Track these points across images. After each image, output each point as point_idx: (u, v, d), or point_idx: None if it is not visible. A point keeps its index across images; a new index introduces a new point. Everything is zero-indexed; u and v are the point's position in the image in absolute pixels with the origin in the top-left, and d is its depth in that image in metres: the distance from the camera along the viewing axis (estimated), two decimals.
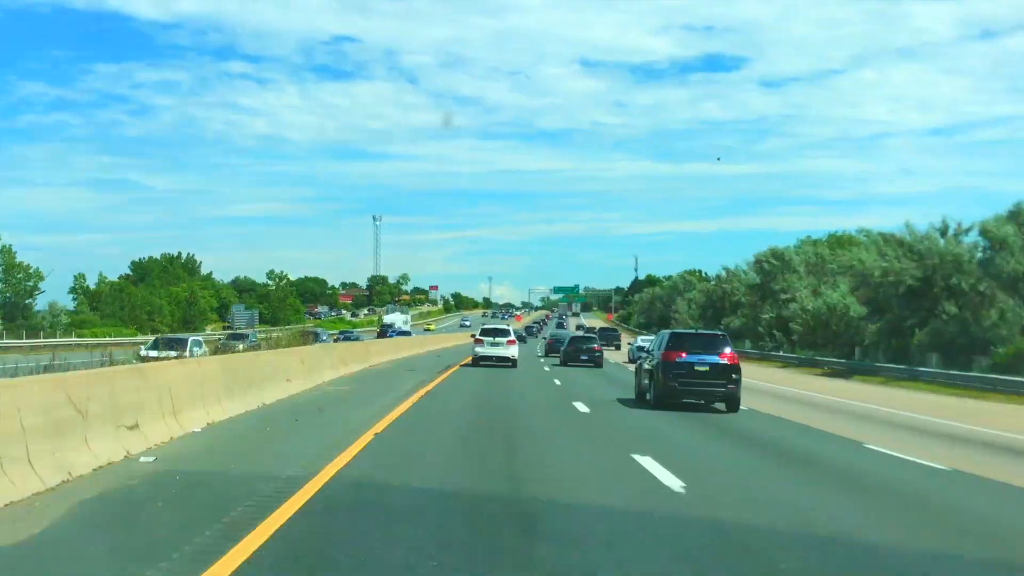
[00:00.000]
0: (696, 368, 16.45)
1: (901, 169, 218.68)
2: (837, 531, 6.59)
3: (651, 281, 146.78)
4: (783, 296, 53.40)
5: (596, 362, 35.05)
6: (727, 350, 16.88)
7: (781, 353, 50.15)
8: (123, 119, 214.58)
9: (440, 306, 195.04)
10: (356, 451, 9.47)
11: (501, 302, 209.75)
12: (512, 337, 32.97)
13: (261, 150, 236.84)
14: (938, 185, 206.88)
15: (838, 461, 11.07)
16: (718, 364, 16.49)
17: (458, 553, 5.41)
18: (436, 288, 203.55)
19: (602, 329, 69.54)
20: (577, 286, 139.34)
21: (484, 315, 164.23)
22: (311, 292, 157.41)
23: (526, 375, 27.59)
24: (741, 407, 16.98)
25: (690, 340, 17.24)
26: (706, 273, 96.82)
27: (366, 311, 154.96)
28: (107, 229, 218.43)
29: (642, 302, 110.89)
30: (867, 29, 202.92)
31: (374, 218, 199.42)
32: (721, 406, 17.06)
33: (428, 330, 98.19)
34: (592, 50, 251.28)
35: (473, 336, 34.91)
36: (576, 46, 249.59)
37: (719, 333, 19.03)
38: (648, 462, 9.35)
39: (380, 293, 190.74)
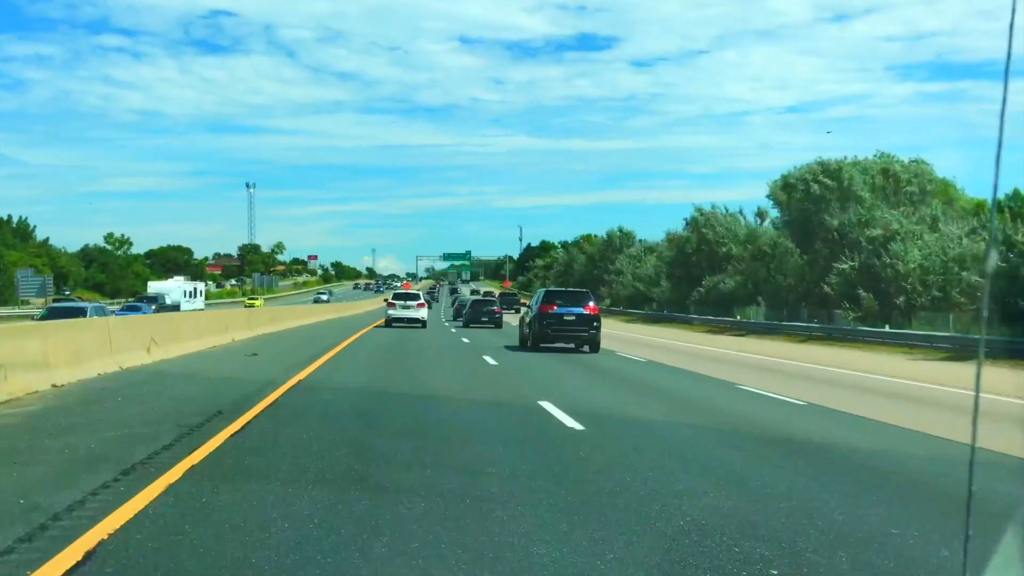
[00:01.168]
0: (564, 318, 20.71)
1: (761, 144, 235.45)
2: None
3: (545, 247, 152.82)
4: (871, 234, 35.52)
5: (496, 323, 38.66)
6: (590, 303, 21.32)
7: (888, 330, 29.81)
8: None
9: (319, 276, 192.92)
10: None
11: (386, 273, 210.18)
12: (422, 300, 37.07)
13: (139, 124, 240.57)
14: (795, 159, 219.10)
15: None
16: (582, 314, 20.83)
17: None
18: (315, 258, 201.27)
19: (502, 294, 73.96)
20: (468, 252, 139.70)
21: (356, 286, 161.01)
22: (174, 262, 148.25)
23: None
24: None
25: (560, 295, 21.63)
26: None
27: (234, 281, 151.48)
28: None
29: (558, 266, 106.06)
30: (729, 11, 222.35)
31: (248, 185, 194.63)
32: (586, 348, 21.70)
33: (251, 305, 61.08)
34: (470, 27, 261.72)
35: (386, 300, 39.15)
36: (454, 22, 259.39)
37: (584, 290, 23.41)
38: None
39: (252, 263, 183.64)
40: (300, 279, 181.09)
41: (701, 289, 51.51)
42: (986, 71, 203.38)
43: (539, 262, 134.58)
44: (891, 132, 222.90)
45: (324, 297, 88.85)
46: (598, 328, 21.64)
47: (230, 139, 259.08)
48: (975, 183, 65.89)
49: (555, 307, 21.54)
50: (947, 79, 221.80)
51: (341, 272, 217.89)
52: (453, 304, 65.80)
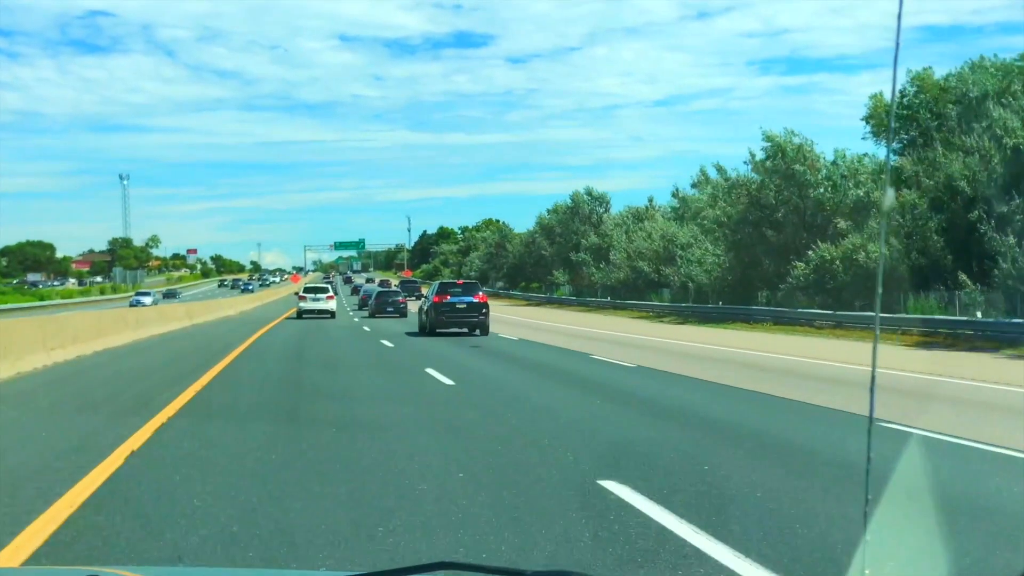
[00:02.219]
0: (457, 306, 24.62)
1: (633, 137, 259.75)
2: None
3: (445, 233, 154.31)
4: None
5: (402, 312, 41.29)
6: (479, 293, 25.39)
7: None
8: None
9: (198, 271, 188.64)
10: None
11: (272, 267, 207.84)
12: (331, 293, 40.71)
13: (16, 124, 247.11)
14: (665, 150, 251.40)
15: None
16: (472, 302, 24.95)
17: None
18: (195, 251, 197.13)
19: (403, 282, 75.64)
20: (362, 241, 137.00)
21: (222, 283, 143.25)
22: (33, 259, 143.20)
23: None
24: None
25: (452, 287, 25.62)
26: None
27: (99, 278, 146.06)
28: None
29: (481, 249, 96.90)
30: (598, 8, 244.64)
31: (121, 177, 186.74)
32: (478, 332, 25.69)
33: None
34: (348, 25, 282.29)
35: (297, 294, 42.08)
36: (332, 21, 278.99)
37: (474, 281, 27.40)
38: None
39: (124, 258, 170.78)
40: (176, 274, 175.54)
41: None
42: (837, 65, 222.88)
43: (445, 247, 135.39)
44: (753, 123, 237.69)
45: (146, 300, 62.67)
46: (486, 314, 25.69)
47: (111, 138, 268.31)
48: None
49: (448, 297, 25.45)
50: (803, 73, 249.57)
51: (222, 266, 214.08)
52: (353, 294, 69.44)
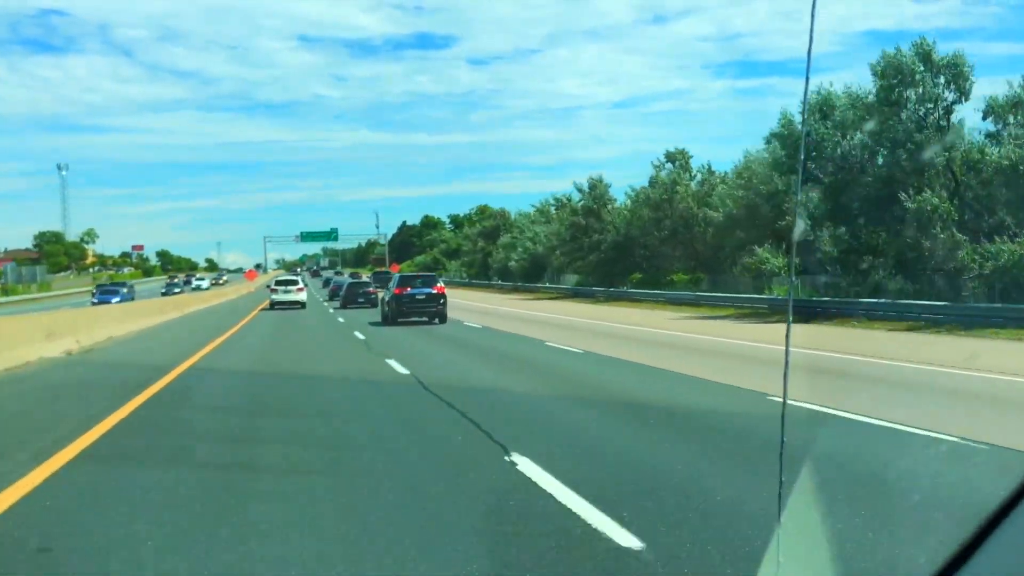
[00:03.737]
0: (416, 297, 27.26)
1: (593, 137, 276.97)
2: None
3: (430, 224, 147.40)
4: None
5: (372, 303, 43.67)
6: (438, 284, 28.28)
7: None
8: None
9: (141, 270, 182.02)
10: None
11: (234, 267, 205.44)
12: (301, 285, 46.33)
13: None
14: (624, 150, 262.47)
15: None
16: (431, 293, 27.85)
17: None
18: (141, 248, 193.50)
19: (375, 273, 76.57)
20: (335, 230, 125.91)
21: (172, 280, 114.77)
22: None
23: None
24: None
25: (412, 279, 28.77)
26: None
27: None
28: None
29: (472, 239, 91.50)
30: (559, 11, 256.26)
31: (59, 167, 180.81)
32: (436, 321, 28.90)
33: None
34: (309, 25, 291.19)
35: (268, 287, 47.45)
36: (292, 21, 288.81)
37: (432, 274, 29.96)
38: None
39: (52, 255, 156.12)
40: (108, 272, 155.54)
41: None
42: (788, 68, 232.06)
43: (438, 234, 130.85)
44: (709, 124, 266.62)
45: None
46: (444, 304, 28.74)
47: (66, 138, 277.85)
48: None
49: (408, 289, 28.23)
50: (755, 76, 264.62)
51: (169, 263, 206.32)
52: (324, 287, 73.53)
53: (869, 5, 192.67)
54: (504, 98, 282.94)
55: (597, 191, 55.73)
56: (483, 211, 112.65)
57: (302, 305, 44.05)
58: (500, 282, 73.06)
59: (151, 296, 58.61)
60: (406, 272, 38.30)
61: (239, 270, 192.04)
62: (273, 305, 43.73)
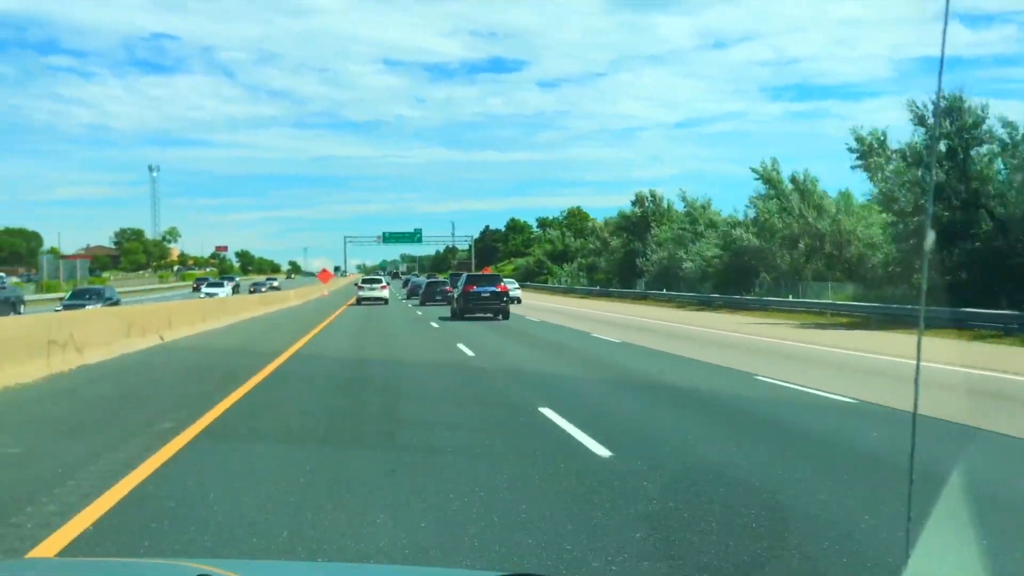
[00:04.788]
0: (482, 295, 30.49)
1: (652, 156, 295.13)
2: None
3: (515, 227, 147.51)
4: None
5: (447, 300, 47.47)
6: (501, 284, 31.81)
7: None
8: None
9: (215, 270, 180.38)
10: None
11: (316, 271, 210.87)
12: (384, 283, 55.03)
13: (87, 137, 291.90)
14: (681, 168, 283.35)
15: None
16: (495, 291, 31.22)
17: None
18: (225, 248, 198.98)
19: (452, 275, 78.97)
20: (419, 231, 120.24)
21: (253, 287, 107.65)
22: (11, 249, 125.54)
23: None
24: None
25: (478, 278, 31.89)
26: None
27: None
28: None
29: (599, 235, 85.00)
30: (622, 38, 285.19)
31: (150, 168, 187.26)
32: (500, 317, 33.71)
33: None
34: (392, 50, 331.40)
35: (356, 284, 55.06)
36: (377, 46, 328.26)
37: (496, 274, 33.40)
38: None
39: (131, 252, 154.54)
40: (192, 272, 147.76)
41: None
42: (843, 92, 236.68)
43: (524, 236, 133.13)
44: (766, 145, 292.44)
45: None
46: (507, 301, 32.83)
47: (173, 151, 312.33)
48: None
49: (474, 287, 31.50)
50: (811, 99, 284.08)
51: (249, 264, 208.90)
52: (403, 287, 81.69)
53: (920, 33, 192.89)
54: (569, 119, 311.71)
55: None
56: (573, 213, 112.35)
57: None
58: (665, 292, 53.93)
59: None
60: (473, 273, 42.10)
61: (309, 274, 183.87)
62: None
